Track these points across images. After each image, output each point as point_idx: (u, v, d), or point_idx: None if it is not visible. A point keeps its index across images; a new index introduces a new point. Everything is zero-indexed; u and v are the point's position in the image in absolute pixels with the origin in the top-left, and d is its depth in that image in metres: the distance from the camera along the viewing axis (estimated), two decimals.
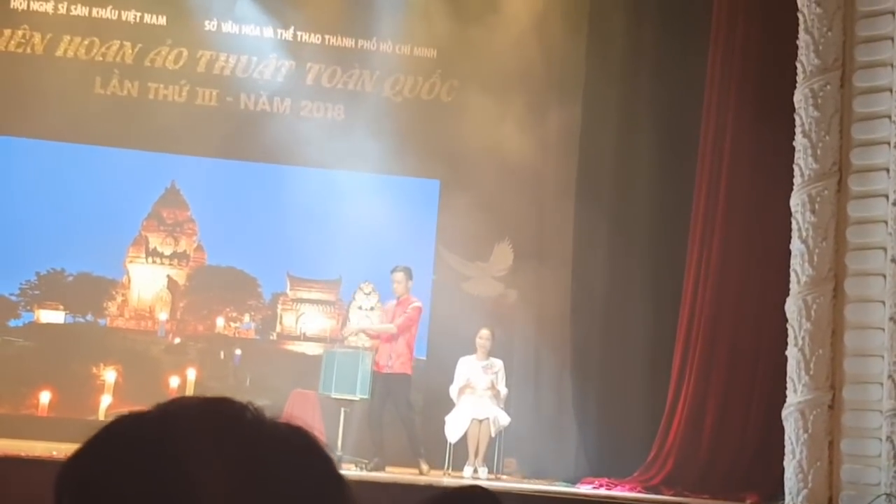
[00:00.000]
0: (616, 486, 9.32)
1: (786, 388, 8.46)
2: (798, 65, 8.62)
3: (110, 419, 1.10)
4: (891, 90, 8.21)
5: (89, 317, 11.99)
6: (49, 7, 12.07)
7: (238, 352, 12.06)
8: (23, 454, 7.97)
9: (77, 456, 1.07)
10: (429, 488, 7.87)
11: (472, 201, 11.31)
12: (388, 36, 12.24)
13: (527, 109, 11.45)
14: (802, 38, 8.61)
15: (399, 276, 10.40)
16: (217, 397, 1.10)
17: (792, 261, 8.51)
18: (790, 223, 8.56)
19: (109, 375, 11.66)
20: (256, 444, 1.05)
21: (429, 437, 10.19)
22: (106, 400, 11.54)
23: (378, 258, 11.38)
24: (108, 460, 1.04)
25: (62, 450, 7.92)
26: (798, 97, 8.58)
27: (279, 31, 12.25)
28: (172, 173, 12.19)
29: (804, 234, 8.41)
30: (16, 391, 11.59)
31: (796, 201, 8.51)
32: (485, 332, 10.41)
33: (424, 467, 9.86)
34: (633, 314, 10.50)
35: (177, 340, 12.07)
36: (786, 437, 8.41)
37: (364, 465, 9.68)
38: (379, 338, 10.40)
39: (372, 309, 12.19)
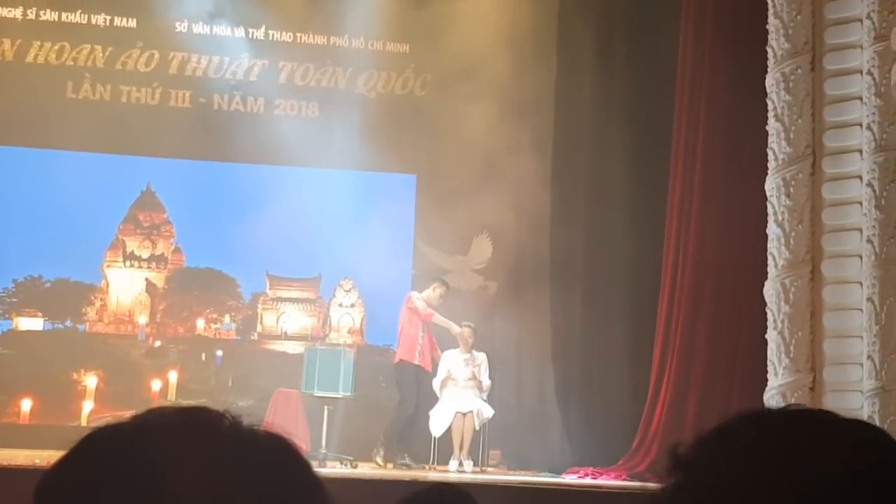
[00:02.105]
0: (601, 474, 9.34)
1: (767, 372, 8.50)
2: (768, 49, 8.65)
3: (90, 429, 1.11)
4: (861, 72, 8.25)
5: (68, 323, 11.93)
6: (18, 13, 11.99)
7: (219, 353, 12.03)
8: (4, 463, 7.92)
9: (56, 468, 1.07)
10: (413, 483, 7.87)
11: (450, 195, 11.31)
12: (360, 32, 12.22)
13: (501, 100, 11.45)
14: (772, 23, 8.64)
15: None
16: (194, 406, 1.10)
17: (769, 245, 8.55)
18: (766, 207, 8.59)
19: (90, 381, 11.61)
20: (234, 452, 1.05)
21: (413, 431, 10.19)
22: (88, 406, 11.49)
23: (357, 255, 11.37)
24: (87, 471, 1.05)
25: (45, 457, 7.88)
26: (769, 81, 8.61)
27: (250, 30, 12.21)
28: (148, 176, 12.15)
29: (780, 217, 8.44)
30: None
31: (771, 185, 8.54)
32: (466, 328, 10.41)
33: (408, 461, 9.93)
34: (613, 303, 10.53)
35: (157, 343, 12.03)
36: None
37: (349, 462, 9.69)
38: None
39: (352, 306, 12.19)
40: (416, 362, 10.25)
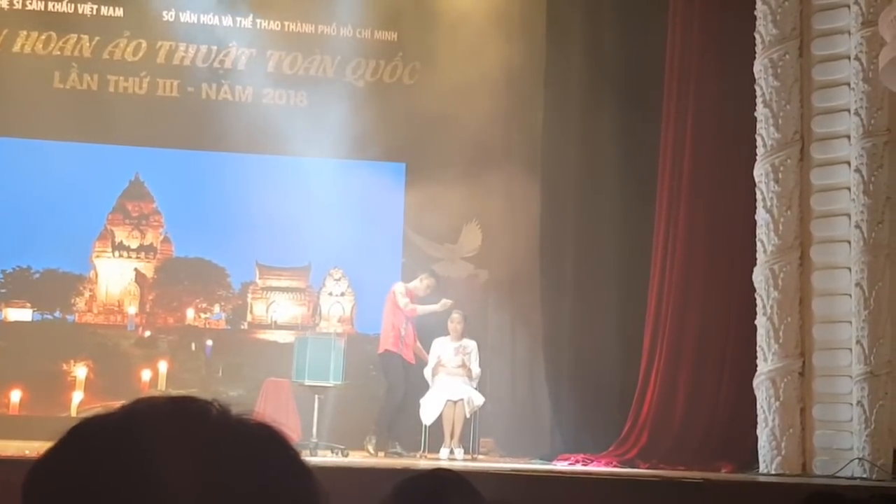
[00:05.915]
0: (592, 461, 9.36)
1: (756, 358, 8.53)
2: (756, 35, 8.67)
3: (80, 420, 1.10)
4: (849, 57, 8.27)
5: (57, 313, 11.90)
6: (4, 2, 11.93)
7: (209, 343, 12.01)
8: None
9: (44, 458, 1.07)
10: (405, 471, 7.88)
11: (439, 183, 11.29)
12: (348, 20, 12.19)
13: (490, 87, 11.43)
14: (760, 9, 8.65)
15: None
16: (182, 396, 1.10)
17: (757, 230, 8.57)
18: (754, 193, 8.62)
19: (80, 371, 11.59)
20: (222, 441, 1.05)
21: (403, 419, 10.20)
22: (77, 396, 11.48)
23: (346, 244, 11.36)
24: (76, 462, 1.04)
25: (34, 448, 7.87)
26: (757, 67, 8.63)
27: (238, 19, 12.17)
28: (136, 166, 12.11)
29: (769, 203, 8.46)
30: None
31: (760, 171, 8.56)
32: (456, 316, 10.41)
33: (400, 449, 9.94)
34: (603, 290, 10.53)
35: (147, 334, 12.01)
36: (758, 406, 8.48)
37: (340, 451, 9.69)
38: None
39: (342, 294, 12.18)
40: (401, 353, 10.25)
